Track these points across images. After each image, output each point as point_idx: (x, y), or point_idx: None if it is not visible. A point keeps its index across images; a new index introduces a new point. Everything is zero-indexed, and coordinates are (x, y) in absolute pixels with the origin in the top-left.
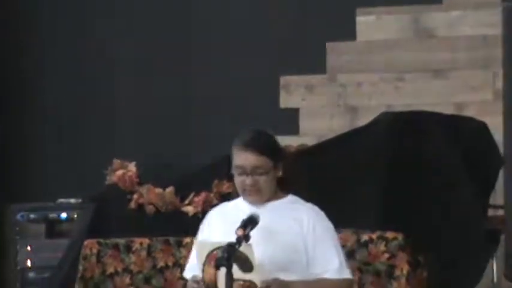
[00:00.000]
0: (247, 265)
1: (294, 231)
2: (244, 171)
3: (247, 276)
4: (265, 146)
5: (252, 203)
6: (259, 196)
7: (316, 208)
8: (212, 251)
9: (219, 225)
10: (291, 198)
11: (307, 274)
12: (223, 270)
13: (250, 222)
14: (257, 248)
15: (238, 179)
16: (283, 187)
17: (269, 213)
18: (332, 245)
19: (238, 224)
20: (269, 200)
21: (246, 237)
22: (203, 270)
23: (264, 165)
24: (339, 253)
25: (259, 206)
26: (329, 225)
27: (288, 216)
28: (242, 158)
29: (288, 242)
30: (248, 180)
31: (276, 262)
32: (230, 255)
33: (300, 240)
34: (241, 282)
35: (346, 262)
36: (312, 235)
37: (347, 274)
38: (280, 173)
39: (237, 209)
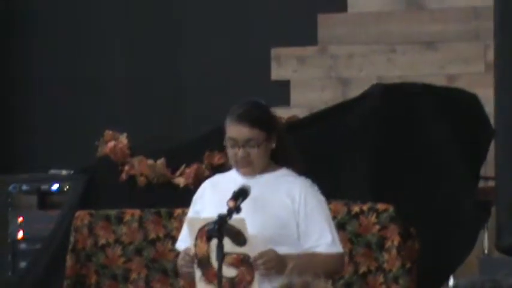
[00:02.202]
0: (240, 239)
1: (284, 204)
2: (236, 144)
3: (241, 250)
4: (258, 118)
5: (244, 174)
6: (251, 168)
7: (309, 181)
8: (203, 227)
9: (211, 197)
10: (284, 171)
11: (298, 247)
12: (215, 244)
13: (241, 194)
14: (247, 219)
15: (230, 151)
16: (277, 159)
17: (261, 186)
18: (324, 219)
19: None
20: (262, 172)
21: (237, 209)
22: (195, 245)
23: (256, 138)
24: (331, 227)
25: (252, 178)
26: (321, 199)
27: (279, 189)
28: (235, 130)
29: (278, 215)
30: (240, 152)
31: (265, 234)
32: (221, 227)
33: (291, 213)
34: (235, 256)
35: (337, 236)
36: (303, 209)
37: (339, 248)
38: (273, 145)
39: (230, 181)
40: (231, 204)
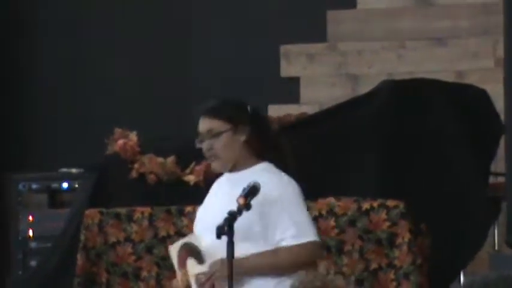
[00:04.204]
0: (200, 257)
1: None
2: (202, 139)
3: (203, 268)
4: (218, 109)
5: (214, 170)
6: (218, 161)
7: (280, 175)
8: (180, 252)
9: (208, 196)
10: (262, 165)
11: (266, 243)
12: (190, 264)
13: (251, 191)
14: (218, 217)
15: (202, 149)
16: (259, 154)
17: (235, 182)
18: (289, 211)
19: (216, 196)
20: (240, 168)
21: (247, 206)
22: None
23: (216, 128)
24: (297, 219)
25: (232, 175)
26: (289, 192)
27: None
28: (199, 125)
29: (243, 214)
30: (204, 145)
31: (235, 234)
32: (231, 224)
33: (258, 209)
34: (201, 276)
35: (308, 226)
36: (269, 203)
37: (307, 237)
38: (242, 138)
39: (218, 182)
40: (241, 201)
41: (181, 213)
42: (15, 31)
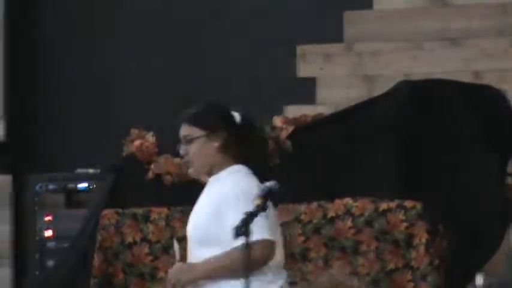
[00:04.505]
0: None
1: (211, 203)
2: (180, 145)
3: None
4: (194, 116)
5: (191, 176)
6: (193, 167)
7: (242, 177)
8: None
9: None
10: (233, 168)
11: (228, 246)
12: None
13: (269, 193)
14: (191, 223)
15: None
16: (237, 158)
17: (207, 187)
18: (239, 211)
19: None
20: (216, 172)
21: (263, 208)
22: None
23: (191, 133)
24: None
25: (210, 179)
26: (239, 193)
27: (215, 188)
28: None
29: (202, 216)
30: (181, 151)
31: (194, 238)
32: (247, 224)
33: (215, 211)
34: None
35: (258, 224)
36: (225, 204)
37: (256, 236)
38: (216, 144)
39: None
40: (258, 202)
41: None
42: (32, 31)
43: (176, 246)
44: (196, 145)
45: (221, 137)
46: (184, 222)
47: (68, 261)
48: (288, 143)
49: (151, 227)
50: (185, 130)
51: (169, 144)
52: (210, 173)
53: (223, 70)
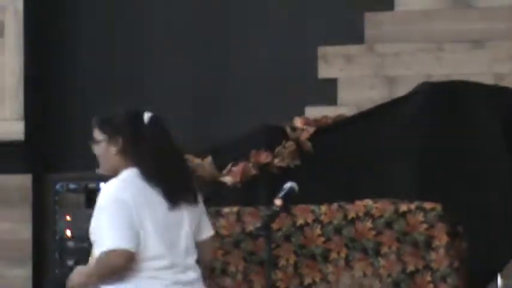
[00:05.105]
0: None
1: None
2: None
3: None
4: (99, 120)
5: (99, 173)
6: (100, 167)
7: (111, 181)
8: None
9: None
10: (124, 172)
11: None
12: None
13: (288, 193)
14: None
15: None
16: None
17: None
18: (98, 221)
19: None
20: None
21: (285, 208)
22: None
23: (96, 136)
24: (100, 227)
25: None
26: (102, 201)
27: None
28: None
29: (92, 220)
30: (93, 150)
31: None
32: (268, 225)
33: (94, 218)
34: None
35: (105, 234)
36: (95, 212)
37: (102, 247)
38: (114, 149)
39: None
40: (278, 203)
41: (218, 214)
42: (53, 30)
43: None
44: (100, 148)
45: (119, 142)
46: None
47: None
48: (309, 144)
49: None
50: (94, 132)
51: (189, 144)
52: (117, 173)
53: (244, 71)
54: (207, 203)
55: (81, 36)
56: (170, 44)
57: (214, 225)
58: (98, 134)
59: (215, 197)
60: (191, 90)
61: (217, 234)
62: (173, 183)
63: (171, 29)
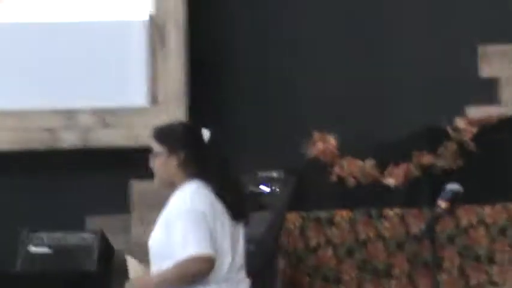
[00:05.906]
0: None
1: (164, 217)
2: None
3: None
4: (157, 133)
5: (154, 186)
6: (155, 179)
7: (185, 193)
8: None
9: None
10: (188, 184)
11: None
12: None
13: (456, 196)
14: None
15: None
16: (195, 175)
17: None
18: (176, 230)
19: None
20: (178, 187)
21: (450, 212)
22: None
23: (155, 149)
24: (181, 236)
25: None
26: (181, 208)
27: (169, 204)
28: None
29: (156, 231)
30: (150, 162)
31: (152, 252)
32: (432, 227)
33: (164, 228)
34: None
35: (190, 241)
36: (168, 223)
37: (186, 253)
38: (175, 162)
39: None
40: (443, 205)
41: (380, 215)
42: (210, 32)
43: (130, 261)
44: (158, 160)
45: (179, 156)
46: (368, 225)
47: (254, 265)
48: (472, 145)
49: (335, 230)
50: (153, 144)
51: (348, 146)
52: (173, 187)
53: (405, 71)
54: (369, 204)
55: (239, 36)
56: (325, 44)
57: (376, 227)
58: (156, 147)
59: (377, 199)
60: (349, 90)
61: (379, 236)
62: (236, 197)
63: (328, 26)
